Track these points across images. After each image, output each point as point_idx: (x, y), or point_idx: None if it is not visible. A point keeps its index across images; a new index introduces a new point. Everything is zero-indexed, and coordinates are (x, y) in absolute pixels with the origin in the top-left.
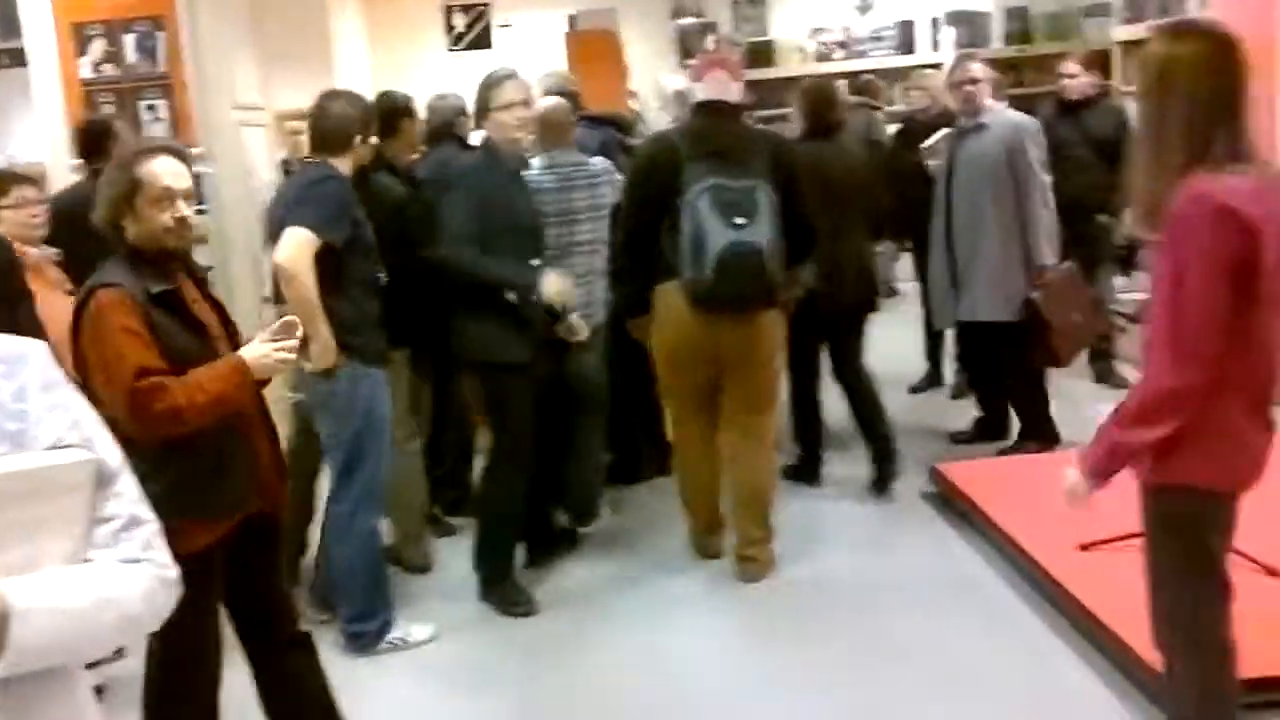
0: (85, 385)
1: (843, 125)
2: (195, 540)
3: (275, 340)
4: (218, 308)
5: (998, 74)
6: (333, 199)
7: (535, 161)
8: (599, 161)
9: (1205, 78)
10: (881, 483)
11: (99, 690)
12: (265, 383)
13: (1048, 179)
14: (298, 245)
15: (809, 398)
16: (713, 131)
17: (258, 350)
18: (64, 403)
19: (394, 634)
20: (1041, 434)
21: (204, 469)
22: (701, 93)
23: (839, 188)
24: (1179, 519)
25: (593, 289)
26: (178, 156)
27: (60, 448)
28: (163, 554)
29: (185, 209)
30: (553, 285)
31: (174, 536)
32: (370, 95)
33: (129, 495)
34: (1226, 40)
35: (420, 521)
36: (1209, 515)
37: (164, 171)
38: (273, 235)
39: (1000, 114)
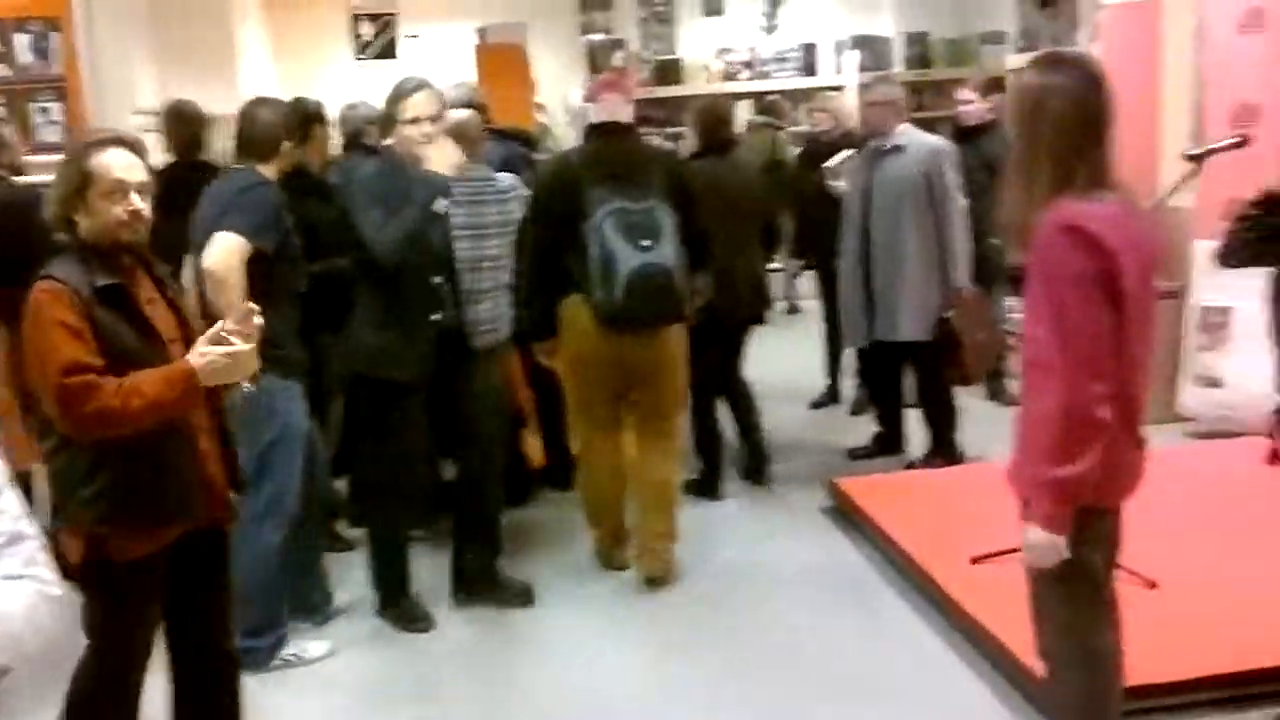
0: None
1: (735, 142)
2: (133, 548)
3: (235, 330)
4: (176, 310)
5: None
6: (263, 205)
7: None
8: (506, 177)
9: (1072, 107)
10: (758, 473)
11: None
12: (228, 387)
13: (964, 202)
14: (229, 251)
15: (709, 413)
16: (610, 153)
17: (205, 353)
18: None
19: (288, 651)
20: (949, 451)
21: (143, 475)
22: (595, 114)
23: (733, 203)
24: None
25: (499, 303)
26: (130, 148)
27: None
28: (47, 570)
29: (138, 201)
30: (442, 160)
31: (111, 543)
32: None
33: (10, 512)
34: (1093, 72)
35: None
36: (1086, 530)
37: (116, 163)
38: (198, 242)
39: (916, 136)
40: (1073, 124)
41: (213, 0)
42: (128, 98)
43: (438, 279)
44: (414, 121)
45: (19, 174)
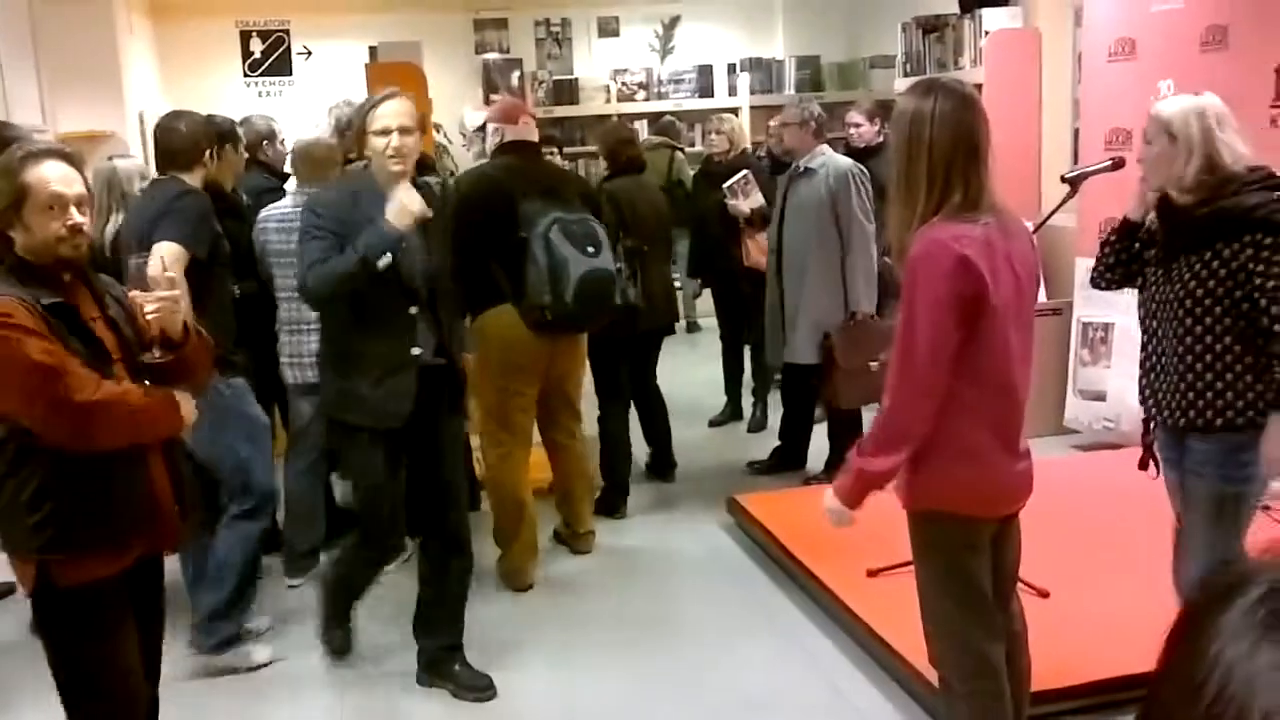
0: None
1: (644, 161)
2: (81, 573)
3: (162, 294)
4: (117, 329)
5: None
6: (194, 211)
7: (286, 201)
8: None
9: (946, 131)
10: (664, 473)
11: None
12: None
13: (871, 226)
14: (174, 258)
15: (619, 430)
16: (531, 169)
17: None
18: None
19: (237, 649)
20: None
21: (91, 498)
22: (512, 134)
23: (647, 219)
24: (935, 542)
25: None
26: (66, 160)
27: None
28: None
29: (78, 215)
30: (399, 211)
31: (55, 569)
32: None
33: None
34: (968, 97)
35: None
36: (962, 538)
37: (52, 176)
38: (130, 256)
39: (830, 159)
40: (948, 147)
41: (97, 15)
42: (6, 113)
43: (414, 309)
44: (384, 132)
45: None
